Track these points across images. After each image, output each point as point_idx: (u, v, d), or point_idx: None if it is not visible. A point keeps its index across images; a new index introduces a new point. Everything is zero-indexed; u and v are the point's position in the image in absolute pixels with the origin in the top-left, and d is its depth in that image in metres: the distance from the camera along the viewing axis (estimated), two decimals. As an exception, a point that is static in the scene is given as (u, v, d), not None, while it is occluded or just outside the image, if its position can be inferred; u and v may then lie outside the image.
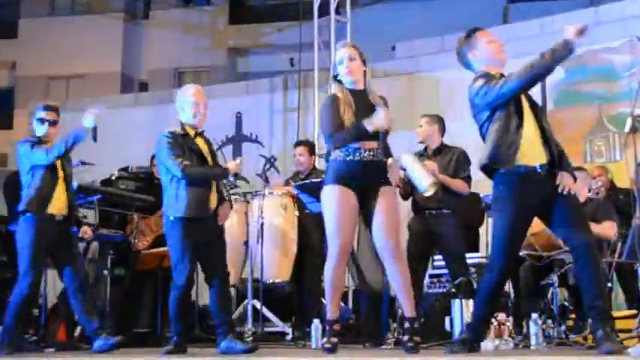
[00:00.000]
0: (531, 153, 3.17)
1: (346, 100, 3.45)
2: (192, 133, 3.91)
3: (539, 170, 3.16)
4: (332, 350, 3.40)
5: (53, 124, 4.22)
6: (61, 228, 4.16)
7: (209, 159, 3.92)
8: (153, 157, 5.95)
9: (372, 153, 3.44)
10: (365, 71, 3.54)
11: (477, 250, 5.30)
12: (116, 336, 4.13)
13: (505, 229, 3.18)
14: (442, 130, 4.71)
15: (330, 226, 3.44)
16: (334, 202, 3.42)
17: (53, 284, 5.10)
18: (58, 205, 4.15)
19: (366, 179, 3.43)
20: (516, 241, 3.29)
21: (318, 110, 7.06)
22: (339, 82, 3.54)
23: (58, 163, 4.17)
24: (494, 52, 3.31)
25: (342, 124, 3.41)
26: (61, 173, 4.20)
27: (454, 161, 4.58)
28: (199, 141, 3.93)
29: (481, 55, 3.31)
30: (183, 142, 3.83)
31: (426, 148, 4.69)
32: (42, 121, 4.21)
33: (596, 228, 4.53)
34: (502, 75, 3.27)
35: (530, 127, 3.20)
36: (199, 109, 3.88)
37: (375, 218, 3.43)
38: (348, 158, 3.42)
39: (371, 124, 3.36)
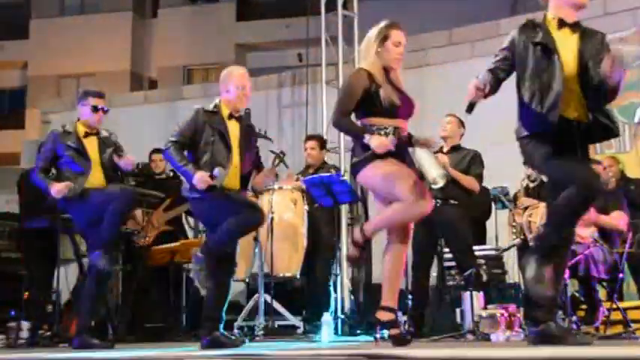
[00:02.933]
0: None
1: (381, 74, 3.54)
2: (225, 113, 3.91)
3: None
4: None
5: (106, 111, 4.32)
6: None
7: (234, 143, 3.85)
8: (152, 152, 6.00)
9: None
10: None
11: (483, 244, 5.28)
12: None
13: None
14: (461, 135, 4.84)
15: None
16: None
17: (66, 280, 5.15)
18: None
19: None
20: None
21: (326, 105, 7.06)
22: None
23: None
24: None
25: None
26: None
27: (467, 160, 4.66)
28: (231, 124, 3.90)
29: None
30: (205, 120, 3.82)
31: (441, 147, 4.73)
32: (95, 108, 4.25)
33: (603, 219, 4.49)
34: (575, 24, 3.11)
35: None
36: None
37: None
38: None
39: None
